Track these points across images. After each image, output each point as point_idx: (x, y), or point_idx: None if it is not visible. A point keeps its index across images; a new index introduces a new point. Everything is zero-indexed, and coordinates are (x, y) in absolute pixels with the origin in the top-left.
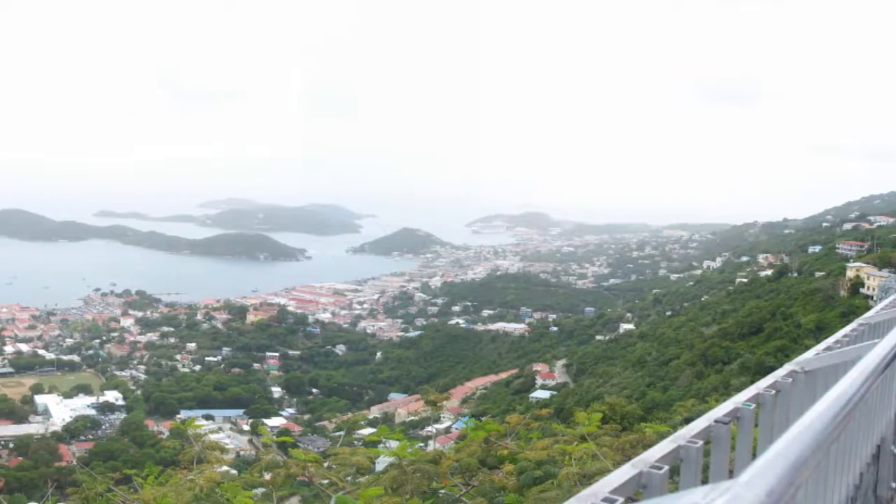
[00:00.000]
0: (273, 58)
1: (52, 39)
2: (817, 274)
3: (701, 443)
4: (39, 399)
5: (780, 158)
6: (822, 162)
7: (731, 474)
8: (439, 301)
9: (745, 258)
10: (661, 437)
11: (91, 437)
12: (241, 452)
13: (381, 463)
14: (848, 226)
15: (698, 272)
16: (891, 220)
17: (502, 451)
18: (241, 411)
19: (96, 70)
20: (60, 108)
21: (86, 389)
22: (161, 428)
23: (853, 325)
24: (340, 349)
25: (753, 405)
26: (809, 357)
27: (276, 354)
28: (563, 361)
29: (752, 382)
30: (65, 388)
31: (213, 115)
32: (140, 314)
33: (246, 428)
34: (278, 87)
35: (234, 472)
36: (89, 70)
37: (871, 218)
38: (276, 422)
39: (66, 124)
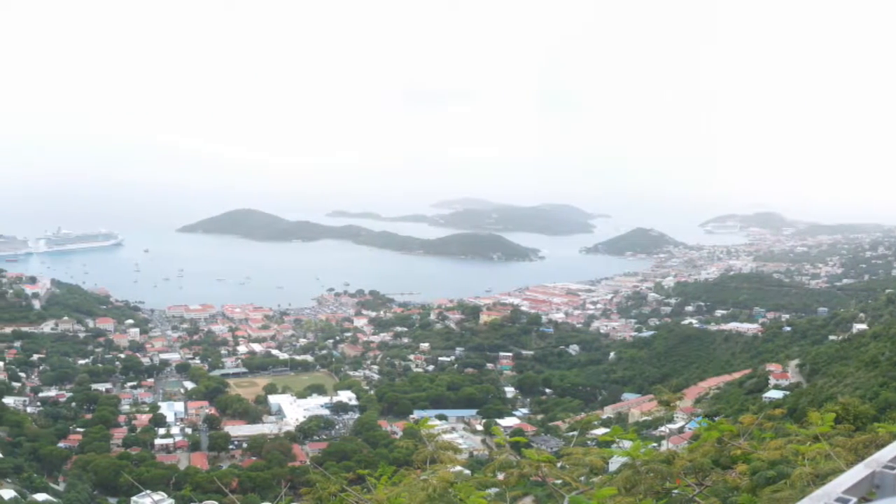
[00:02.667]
0: (504, 58)
1: (287, 42)
2: None
3: None
4: (273, 399)
5: None
6: None
7: None
8: (672, 301)
9: None
10: (895, 437)
11: (324, 436)
12: (475, 452)
13: (615, 463)
14: None
15: None
16: None
17: (735, 451)
18: (474, 411)
19: (330, 72)
20: (295, 109)
21: (319, 389)
22: (394, 428)
23: None
24: (573, 349)
25: None
26: None
27: (510, 354)
28: (796, 361)
29: None
30: (298, 388)
31: (445, 114)
32: (373, 314)
33: (479, 428)
34: (510, 87)
35: (467, 472)
36: (323, 72)
37: None
38: (509, 422)
39: (300, 125)
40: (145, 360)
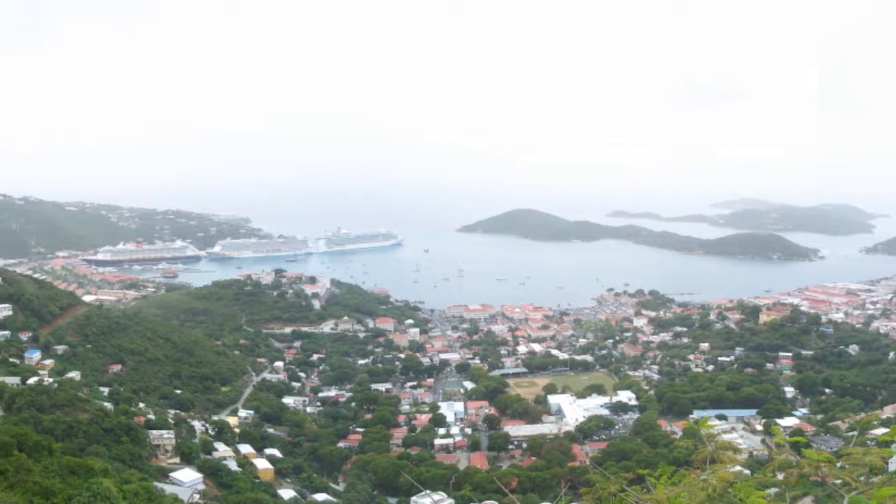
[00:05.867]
0: (780, 57)
1: (567, 44)
2: None
3: None
4: (552, 399)
5: None
6: None
7: None
8: None
9: None
10: None
11: (604, 436)
12: (754, 452)
13: (895, 463)
14: None
15: None
16: None
17: None
18: (753, 411)
19: (609, 72)
20: (576, 110)
21: (599, 389)
22: (674, 428)
23: None
24: (853, 349)
25: None
26: None
27: (789, 354)
28: None
29: None
30: (578, 388)
31: (724, 114)
32: (653, 314)
33: (759, 428)
34: (788, 86)
35: (746, 472)
36: (602, 72)
37: None
38: (788, 421)
39: (579, 125)
40: (425, 360)
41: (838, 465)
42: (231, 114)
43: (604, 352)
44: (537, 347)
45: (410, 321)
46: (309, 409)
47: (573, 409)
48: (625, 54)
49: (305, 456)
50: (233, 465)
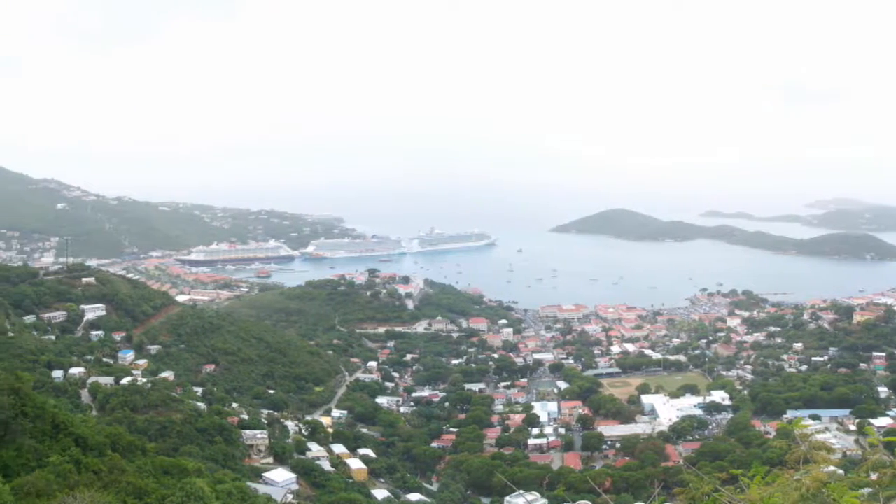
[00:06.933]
0: (877, 58)
1: (672, 45)
2: None
3: None
4: (646, 399)
5: None
6: None
7: None
8: None
9: None
10: None
11: (697, 436)
12: (848, 452)
13: None
14: None
15: None
16: None
17: None
18: (847, 411)
19: (706, 72)
20: (669, 110)
21: (692, 389)
22: (767, 428)
23: None
24: None
25: None
26: None
27: (883, 354)
28: None
29: None
30: (671, 388)
31: (819, 114)
32: (746, 314)
33: (852, 428)
34: (882, 86)
35: (840, 472)
36: (702, 74)
37: None
38: (882, 421)
39: (674, 126)
40: (518, 360)
41: None
42: (332, 115)
43: (697, 352)
44: (630, 347)
45: (504, 321)
46: (402, 409)
47: (666, 409)
48: (726, 56)
49: (399, 456)
50: (326, 465)
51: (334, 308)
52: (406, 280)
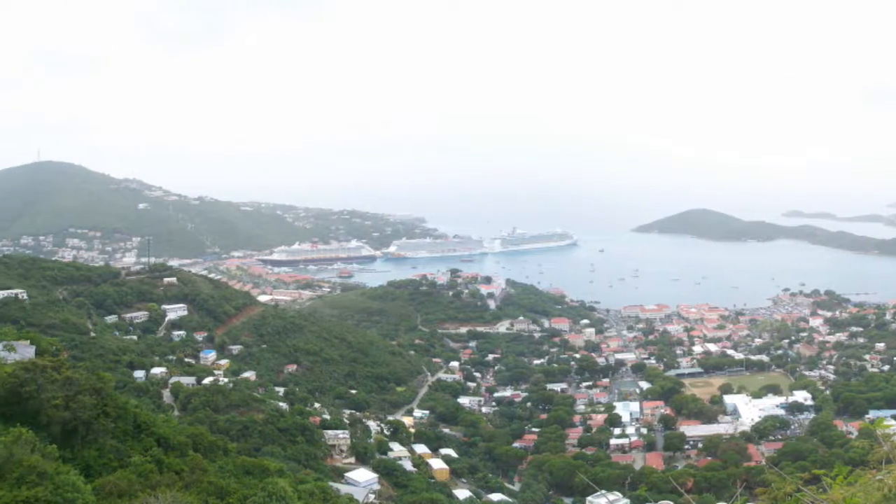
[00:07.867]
0: None
1: (745, 46)
2: None
3: None
4: (728, 399)
5: None
6: None
7: None
8: None
9: None
10: None
11: (780, 436)
12: None
13: None
14: None
15: None
16: None
17: None
18: None
19: (799, 71)
20: (752, 110)
21: (774, 389)
22: (850, 428)
23: None
24: None
25: None
26: None
27: None
28: None
29: None
30: (753, 388)
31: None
32: (829, 314)
33: None
34: None
35: None
36: (792, 71)
37: None
38: None
39: (757, 125)
40: (600, 360)
41: None
42: (406, 116)
43: (779, 352)
44: (713, 347)
45: (586, 321)
46: (484, 409)
47: (749, 409)
48: (816, 56)
49: (481, 456)
50: (408, 465)
51: (416, 308)
52: (488, 280)
